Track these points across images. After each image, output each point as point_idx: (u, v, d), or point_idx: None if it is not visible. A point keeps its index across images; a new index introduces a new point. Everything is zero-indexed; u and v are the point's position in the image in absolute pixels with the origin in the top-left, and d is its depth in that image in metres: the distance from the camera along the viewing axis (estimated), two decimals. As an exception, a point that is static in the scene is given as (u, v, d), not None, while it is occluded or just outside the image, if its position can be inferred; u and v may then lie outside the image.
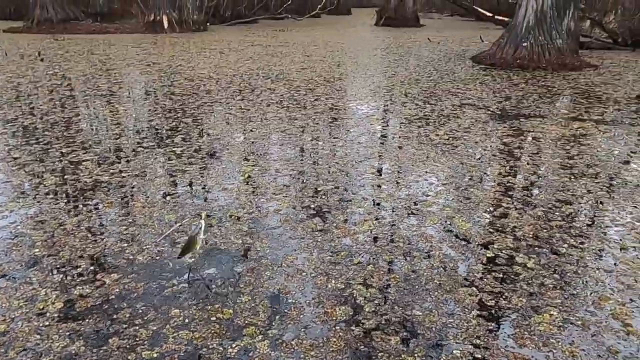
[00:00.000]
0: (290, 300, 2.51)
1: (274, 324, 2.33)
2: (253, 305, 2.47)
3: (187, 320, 2.34)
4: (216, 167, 4.46)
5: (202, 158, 4.70)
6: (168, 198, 3.77)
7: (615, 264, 2.89)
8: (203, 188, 4.03)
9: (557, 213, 3.57)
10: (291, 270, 2.78)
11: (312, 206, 3.64)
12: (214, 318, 2.36)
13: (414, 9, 23.55)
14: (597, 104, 7.14)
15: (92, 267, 2.80)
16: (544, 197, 3.92)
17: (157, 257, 2.90)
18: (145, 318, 2.36)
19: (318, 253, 2.97)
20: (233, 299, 2.51)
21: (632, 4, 15.10)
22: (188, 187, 4.05)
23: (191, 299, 2.52)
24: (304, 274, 2.75)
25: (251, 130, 5.66)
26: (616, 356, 2.14)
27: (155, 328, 2.29)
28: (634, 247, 3.09)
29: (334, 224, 3.35)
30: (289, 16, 24.55)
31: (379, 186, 4.08)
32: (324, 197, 3.81)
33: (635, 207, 3.69)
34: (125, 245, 3.04)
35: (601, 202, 3.77)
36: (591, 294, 2.60)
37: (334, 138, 5.48)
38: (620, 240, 3.18)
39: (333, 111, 6.63)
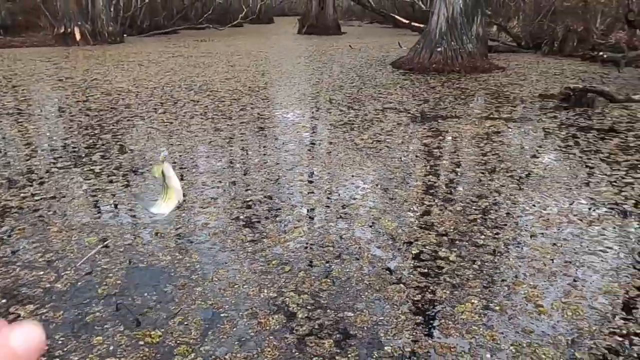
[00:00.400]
0: (223, 315, 2.47)
1: (206, 340, 2.28)
2: (185, 324, 2.40)
3: (112, 348, 2.24)
4: (139, 184, 4.30)
5: (124, 175, 4.50)
6: (87, 219, 3.57)
7: (526, 250, 3.13)
8: (125, 206, 3.86)
9: (474, 207, 3.80)
10: (222, 284, 2.74)
11: (242, 217, 3.61)
12: (141, 343, 2.27)
13: (335, 17, 24.13)
14: (506, 103, 7.70)
15: (4, 300, 2.59)
16: (463, 193, 4.16)
17: (78, 283, 2.74)
18: (66, 349, 2.22)
19: (249, 264, 2.96)
20: (163, 319, 2.43)
21: (532, 10, 16.45)
22: (109, 206, 3.86)
23: (117, 325, 2.41)
24: (235, 286, 2.72)
25: (175, 144, 5.51)
26: (530, 335, 2.32)
27: (76, 359, 2.16)
28: (542, 233, 3.36)
29: (264, 234, 3.35)
30: (210, 26, 24.20)
31: (308, 192, 4.13)
32: (253, 207, 3.80)
33: (542, 196, 4.02)
34: (41, 273, 2.85)
35: (511, 195, 4.07)
36: (507, 280, 2.80)
37: (262, 147, 5.47)
38: (531, 228, 3.45)
39: (259, 120, 6.62)
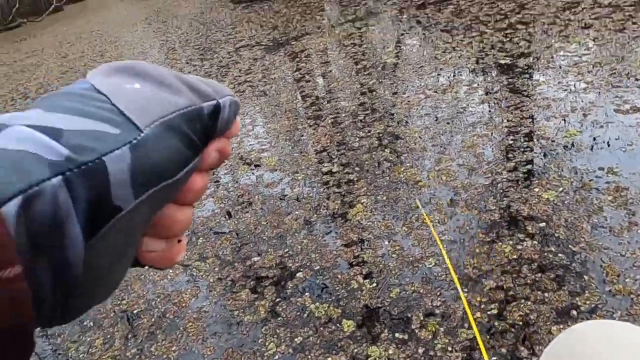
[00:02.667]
0: (135, 310, 2.40)
1: (129, 343, 2.22)
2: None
3: None
4: None
5: None
6: None
7: (396, 137, 3.33)
8: None
9: (344, 115, 3.92)
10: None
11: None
12: None
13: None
14: (349, 5, 7.79)
15: None
16: (335, 104, 4.25)
17: None
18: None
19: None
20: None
21: None
22: None
23: None
24: (138, 270, 2.64)
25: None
26: (416, 211, 2.53)
27: None
28: (406, 116, 3.58)
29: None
30: (25, 21, 21.30)
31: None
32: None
33: (398, 83, 4.23)
34: None
35: (373, 90, 4.24)
36: (386, 171, 2.99)
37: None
38: (396, 115, 3.65)
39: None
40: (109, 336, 2.28)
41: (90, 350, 2.23)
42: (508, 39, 4.48)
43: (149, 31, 11.11)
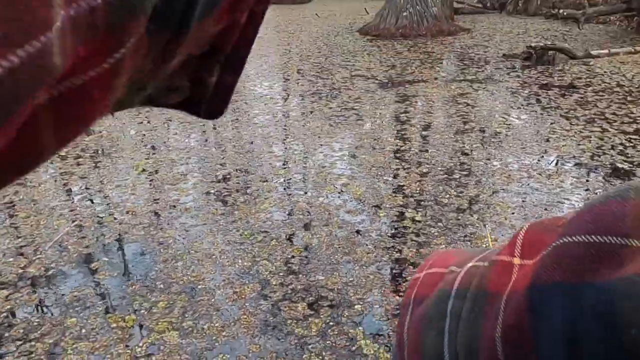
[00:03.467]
0: (201, 286, 2.54)
1: (186, 315, 2.36)
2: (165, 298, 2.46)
3: (84, 331, 2.28)
4: (107, 166, 4.26)
5: (90, 157, 4.45)
6: (55, 203, 3.55)
7: (488, 206, 3.27)
8: (94, 188, 3.84)
9: (439, 168, 3.92)
10: (200, 255, 2.80)
11: (213, 191, 3.65)
12: (114, 325, 2.33)
13: (300, -15, 23.59)
14: (471, 65, 7.79)
15: (-24, 288, 2.60)
16: (429, 154, 4.27)
17: (52, 265, 2.76)
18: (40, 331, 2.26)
19: (223, 236, 3.02)
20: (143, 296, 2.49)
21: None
22: (78, 188, 3.84)
23: (93, 306, 2.45)
24: (213, 257, 2.79)
25: (141, 122, 5.44)
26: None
27: (51, 341, 2.21)
28: (504, 189, 3.51)
29: (235, 206, 3.40)
30: None
31: (279, 163, 4.18)
32: (225, 181, 3.83)
33: (502, 154, 4.16)
34: (11, 259, 2.85)
35: (475, 154, 4.20)
36: (469, 235, 2.94)
37: (233, 121, 5.45)
38: (493, 184, 3.59)
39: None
40: (171, 302, 2.43)
41: (152, 309, 2.39)
42: (632, 145, 4.25)
43: (276, 37, 11.79)
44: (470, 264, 0.28)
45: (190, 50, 0.19)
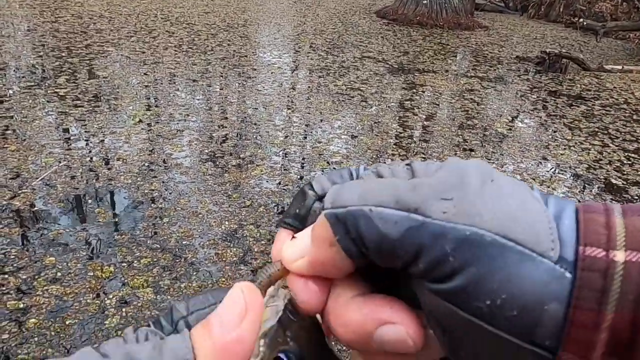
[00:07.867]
0: (185, 242, 2.55)
1: (164, 273, 2.36)
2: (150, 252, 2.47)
3: (59, 274, 2.28)
4: (104, 111, 4.22)
5: (89, 100, 4.41)
6: (46, 141, 3.53)
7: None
8: (88, 132, 3.81)
9: (435, 159, 3.90)
10: (186, 213, 2.80)
11: (207, 151, 3.63)
12: (91, 274, 2.34)
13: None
14: (484, 63, 7.72)
15: (-43, 213, 2.59)
16: (427, 145, 4.25)
17: (38, 202, 2.76)
18: (16, 265, 2.27)
19: (211, 196, 3.01)
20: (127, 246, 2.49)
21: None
22: (72, 130, 3.81)
23: (74, 249, 2.45)
24: (200, 215, 2.79)
25: (145, 74, 5.38)
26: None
27: (25, 277, 2.21)
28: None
29: (227, 169, 3.39)
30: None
31: (276, 133, 4.15)
32: (220, 142, 3.81)
33: (500, 155, 4.15)
34: (-3, 190, 2.84)
35: (472, 150, 4.19)
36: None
37: (239, 84, 5.40)
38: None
39: (235, 58, 6.48)
40: (155, 260, 2.44)
41: (133, 264, 2.40)
42: (629, 162, 4.25)
43: (292, 9, 11.60)
44: None
45: None
